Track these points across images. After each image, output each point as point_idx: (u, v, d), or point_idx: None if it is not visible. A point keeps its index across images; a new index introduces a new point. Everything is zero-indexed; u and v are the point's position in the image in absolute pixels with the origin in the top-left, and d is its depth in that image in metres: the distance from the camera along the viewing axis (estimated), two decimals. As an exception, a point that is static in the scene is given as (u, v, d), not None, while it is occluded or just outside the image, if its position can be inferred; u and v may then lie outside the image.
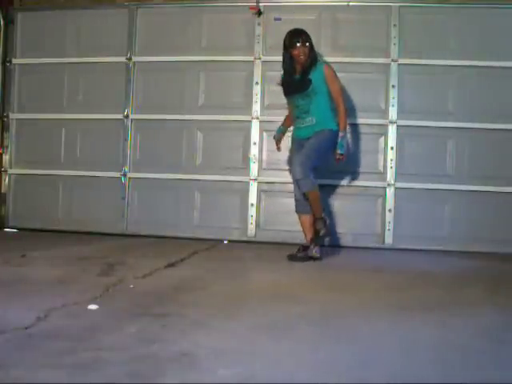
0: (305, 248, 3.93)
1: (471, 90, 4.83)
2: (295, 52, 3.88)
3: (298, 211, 4.02)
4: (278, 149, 4.29)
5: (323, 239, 3.97)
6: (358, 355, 1.93)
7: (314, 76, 3.89)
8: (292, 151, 4.21)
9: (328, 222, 3.95)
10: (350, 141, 4.87)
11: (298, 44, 3.86)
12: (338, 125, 3.91)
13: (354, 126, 4.91)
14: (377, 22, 4.92)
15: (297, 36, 3.89)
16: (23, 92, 5.47)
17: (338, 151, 3.88)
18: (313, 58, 3.92)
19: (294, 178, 3.94)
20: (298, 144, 4.04)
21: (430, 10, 4.90)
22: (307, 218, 3.96)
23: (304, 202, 3.93)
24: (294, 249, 4.00)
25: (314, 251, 3.87)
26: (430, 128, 4.84)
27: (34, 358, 1.76)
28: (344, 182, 4.89)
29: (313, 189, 3.86)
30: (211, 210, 5.10)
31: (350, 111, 4.89)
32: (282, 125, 4.32)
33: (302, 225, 4.01)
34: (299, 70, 3.94)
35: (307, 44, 3.88)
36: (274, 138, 4.30)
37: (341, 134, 3.88)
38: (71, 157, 5.36)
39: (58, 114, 5.36)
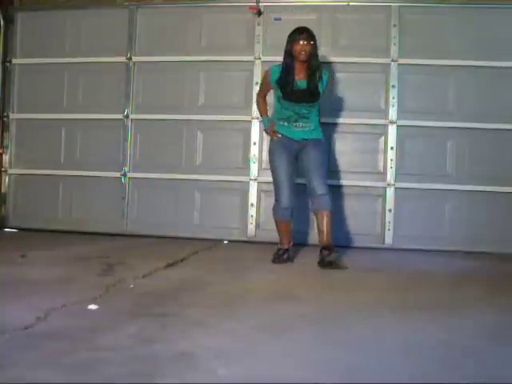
0: (285, 251, 3.83)
1: (471, 90, 4.83)
2: (296, 47, 3.65)
3: (284, 218, 3.79)
4: (275, 135, 3.81)
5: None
6: (358, 355, 1.93)
7: (321, 87, 3.77)
8: (277, 152, 3.80)
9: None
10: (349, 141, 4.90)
11: (301, 41, 3.65)
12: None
13: (354, 126, 4.92)
14: (377, 21, 4.92)
15: (300, 31, 3.69)
16: (23, 92, 5.47)
17: None
18: (318, 63, 3.75)
19: (314, 193, 3.70)
20: (287, 148, 3.78)
21: (430, 10, 4.89)
22: (290, 224, 3.85)
23: (291, 210, 3.79)
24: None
25: (337, 257, 3.67)
26: (430, 128, 4.84)
27: (33, 358, 1.76)
28: (344, 182, 4.89)
29: (332, 208, 3.74)
30: (211, 210, 5.10)
31: (350, 111, 4.91)
32: (265, 114, 3.92)
33: (284, 230, 3.82)
34: (302, 75, 3.73)
35: (311, 42, 3.67)
36: (267, 130, 3.89)
37: None
38: (71, 157, 5.36)
39: (57, 113, 5.36)
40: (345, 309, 2.61)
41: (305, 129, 3.81)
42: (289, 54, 3.73)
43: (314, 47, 3.72)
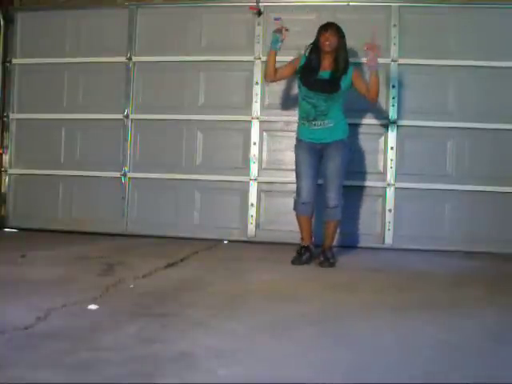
0: (307, 249, 3.88)
1: (471, 90, 4.82)
2: (322, 38, 3.76)
3: (303, 213, 3.88)
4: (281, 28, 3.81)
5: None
6: (359, 355, 1.93)
7: (344, 82, 3.80)
8: (301, 158, 3.88)
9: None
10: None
11: (327, 32, 3.75)
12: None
13: (354, 126, 4.91)
14: (377, 21, 4.91)
15: (328, 25, 3.82)
16: (23, 92, 5.47)
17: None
18: (345, 57, 3.82)
19: (327, 204, 3.82)
20: (309, 149, 3.86)
21: (430, 10, 4.89)
22: (309, 219, 3.93)
23: (311, 205, 3.87)
24: (295, 249, 3.98)
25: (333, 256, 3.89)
26: (430, 128, 4.83)
27: (33, 358, 1.76)
28: (344, 182, 4.88)
29: (341, 217, 3.91)
30: (211, 210, 5.10)
31: (351, 111, 4.89)
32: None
33: (304, 226, 3.90)
34: (328, 67, 3.81)
35: (337, 35, 3.77)
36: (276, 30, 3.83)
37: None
38: (71, 157, 5.35)
39: (57, 113, 5.35)
40: (345, 309, 2.61)
41: (324, 127, 3.82)
42: (315, 45, 3.83)
43: (341, 41, 3.81)
